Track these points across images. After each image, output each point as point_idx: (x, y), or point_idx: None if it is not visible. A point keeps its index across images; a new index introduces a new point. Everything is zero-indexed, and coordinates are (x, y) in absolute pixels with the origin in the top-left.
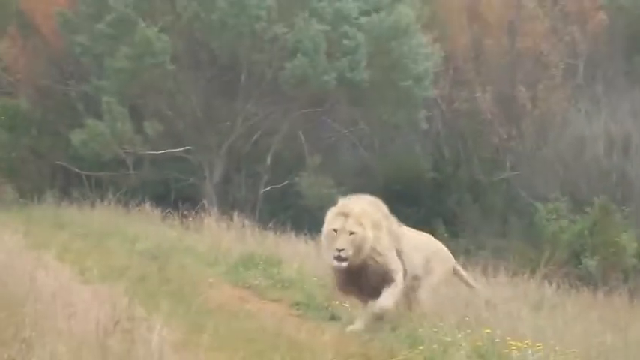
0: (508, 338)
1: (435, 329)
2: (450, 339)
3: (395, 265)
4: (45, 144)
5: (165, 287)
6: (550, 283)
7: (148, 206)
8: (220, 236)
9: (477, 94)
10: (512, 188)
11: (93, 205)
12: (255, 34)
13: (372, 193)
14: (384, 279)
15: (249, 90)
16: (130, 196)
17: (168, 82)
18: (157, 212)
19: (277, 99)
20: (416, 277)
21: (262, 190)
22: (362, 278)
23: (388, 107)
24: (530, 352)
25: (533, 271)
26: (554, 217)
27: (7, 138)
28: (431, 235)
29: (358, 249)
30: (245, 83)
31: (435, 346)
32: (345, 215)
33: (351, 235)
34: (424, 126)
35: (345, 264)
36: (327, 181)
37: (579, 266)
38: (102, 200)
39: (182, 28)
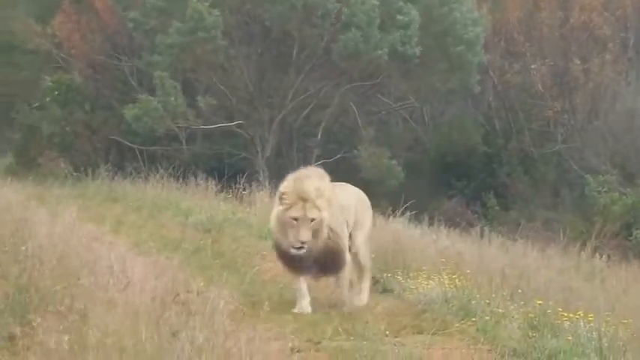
0: (560, 309)
1: (487, 301)
2: (502, 310)
3: (346, 242)
4: (98, 119)
5: (219, 260)
6: (601, 255)
7: (200, 180)
8: (272, 209)
9: (532, 67)
10: (564, 160)
11: (146, 179)
12: (307, 7)
13: (424, 166)
14: (335, 258)
15: (300, 64)
16: (183, 170)
17: (220, 56)
18: (210, 186)
19: (328, 73)
20: (353, 234)
21: (314, 164)
22: (312, 258)
23: (440, 75)
24: (582, 323)
25: (584, 244)
26: (605, 189)
27: (61, 113)
28: (347, 184)
29: (317, 233)
30: (297, 57)
31: (487, 317)
32: (304, 200)
33: (312, 223)
34: (477, 89)
35: (303, 251)
36: (385, 153)
37: (630, 238)
38: (155, 174)
39: (233, 2)
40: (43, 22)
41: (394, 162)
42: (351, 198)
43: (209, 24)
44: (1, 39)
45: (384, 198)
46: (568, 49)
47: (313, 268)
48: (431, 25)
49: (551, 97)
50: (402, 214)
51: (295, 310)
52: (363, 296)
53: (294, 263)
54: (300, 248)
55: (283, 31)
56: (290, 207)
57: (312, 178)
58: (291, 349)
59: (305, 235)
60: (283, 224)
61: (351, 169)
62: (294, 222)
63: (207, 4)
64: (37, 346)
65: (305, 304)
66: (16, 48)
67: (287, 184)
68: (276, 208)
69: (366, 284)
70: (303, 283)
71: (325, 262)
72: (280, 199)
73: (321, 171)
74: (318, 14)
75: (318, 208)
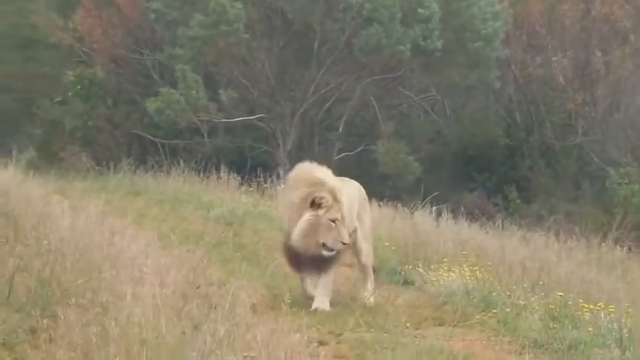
0: (581, 301)
1: (508, 293)
2: (523, 302)
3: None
4: (120, 113)
5: (240, 253)
6: (622, 246)
7: (222, 173)
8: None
9: (554, 59)
10: (585, 153)
11: (168, 172)
12: (329, 0)
13: (446, 159)
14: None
15: (322, 58)
16: (205, 163)
17: (242, 49)
18: (231, 179)
19: (349, 67)
20: (354, 230)
21: (335, 157)
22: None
23: (460, 70)
24: (602, 314)
25: (605, 235)
26: (625, 181)
27: (83, 107)
28: (348, 179)
29: None
30: (318, 51)
31: (508, 309)
32: (336, 201)
33: (345, 222)
34: (497, 85)
35: (334, 252)
36: (402, 148)
37: None
38: (177, 168)
39: None
40: (65, 17)
41: (411, 157)
42: (354, 194)
43: (231, 17)
44: (23, 33)
45: (405, 191)
46: (589, 41)
47: (313, 267)
48: (451, 19)
49: (573, 89)
50: (423, 207)
51: (317, 307)
52: (369, 294)
53: (296, 259)
54: (330, 250)
55: (305, 24)
56: (328, 209)
57: (331, 177)
58: (312, 341)
59: (346, 235)
60: (317, 227)
61: (372, 162)
62: (332, 224)
63: None
64: (60, 339)
65: (326, 300)
66: (37, 42)
67: (318, 187)
68: (310, 213)
69: (370, 285)
70: (308, 284)
71: (328, 260)
72: (316, 203)
73: (324, 167)
74: (340, 8)
75: (344, 209)
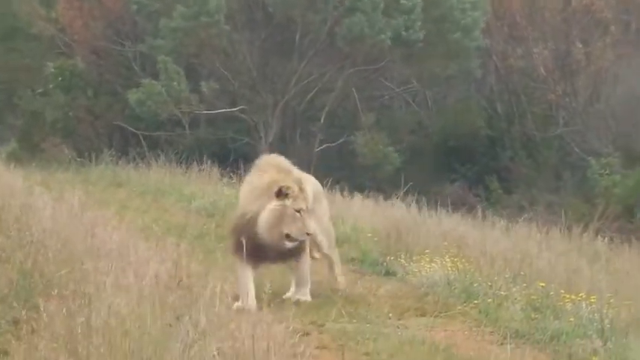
0: (562, 291)
1: (489, 283)
2: (504, 293)
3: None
4: (101, 104)
5: (223, 244)
6: (603, 237)
7: (204, 165)
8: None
9: (534, 50)
10: (566, 144)
11: (150, 164)
12: None
13: (427, 150)
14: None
15: (304, 49)
16: (186, 155)
17: (223, 41)
18: (213, 171)
19: (331, 58)
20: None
21: (317, 149)
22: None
23: (440, 60)
24: (584, 305)
25: (586, 226)
26: (607, 172)
27: (64, 98)
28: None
29: None
30: (300, 42)
31: (489, 300)
32: (302, 191)
33: (310, 213)
34: (477, 74)
35: (296, 243)
36: (382, 139)
37: (632, 220)
38: (158, 159)
39: None
40: (47, 6)
41: (391, 148)
42: (311, 188)
43: (212, 8)
44: (5, 22)
45: (386, 183)
46: (570, 32)
47: (276, 258)
48: (431, 9)
49: (554, 80)
50: (405, 198)
51: (238, 306)
52: (341, 279)
53: (265, 254)
54: (294, 241)
55: (286, 16)
56: (294, 199)
57: (296, 169)
58: (295, 332)
59: (311, 226)
60: (282, 217)
61: (353, 153)
62: (298, 215)
63: None
64: (42, 330)
65: (252, 299)
66: (19, 32)
67: (282, 177)
68: (275, 202)
69: (337, 268)
70: (251, 276)
71: (289, 251)
72: (283, 192)
73: (286, 161)
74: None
75: (309, 200)
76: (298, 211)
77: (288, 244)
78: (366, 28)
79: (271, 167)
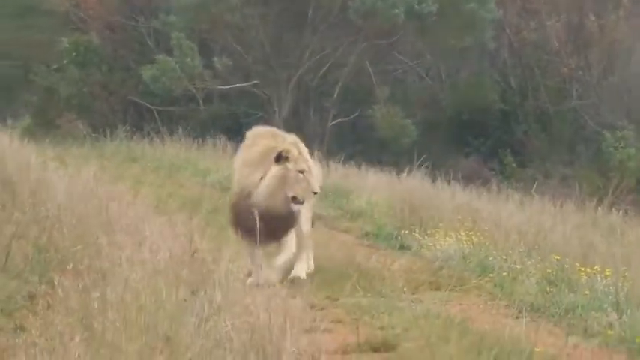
0: (577, 265)
1: (504, 257)
2: (519, 266)
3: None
4: (116, 80)
5: None
6: (618, 210)
7: (217, 140)
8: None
9: (548, 23)
10: (580, 117)
11: (164, 139)
12: None
13: (441, 124)
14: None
15: (316, 23)
16: (201, 130)
17: (236, 16)
18: (227, 146)
19: (344, 32)
20: None
21: (331, 123)
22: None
23: (455, 33)
24: (599, 278)
25: (601, 199)
26: (621, 145)
27: (79, 74)
28: None
29: None
30: (312, 16)
31: (504, 273)
32: (300, 153)
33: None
34: (491, 46)
35: (301, 205)
36: (399, 112)
37: None
38: (173, 134)
39: None
40: None
41: (408, 121)
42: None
43: None
44: (19, 0)
45: (401, 156)
46: (583, 5)
47: (276, 228)
48: None
49: (567, 53)
50: (419, 171)
51: (251, 281)
52: (302, 265)
53: (268, 230)
54: (300, 203)
55: None
56: (295, 161)
57: (287, 135)
58: (311, 306)
59: (316, 184)
60: (285, 181)
61: (367, 128)
62: (301, 176)
63: None
64: (58, 305)
65: (267, 273)
66: (33, 9)
67: (277, 142)
68: (276, 167)
69: (305, 253)
70: (259, 252)
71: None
72: (283, 156)
73: (271, 127)
74: None
75: (308, 159)
76: (301, 172)
77: (295, 207)
78: (379, 2)
79: (261, 138)
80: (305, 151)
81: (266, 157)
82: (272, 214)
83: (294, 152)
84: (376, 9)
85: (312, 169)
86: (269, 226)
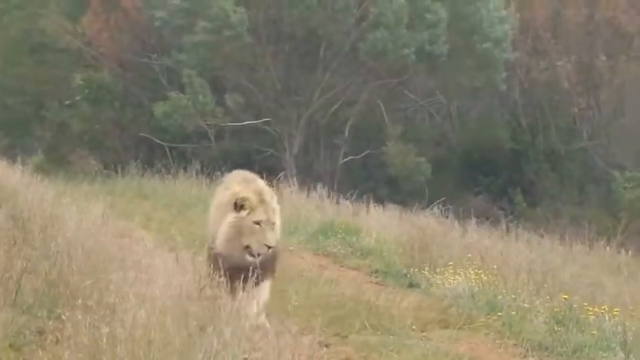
0: (585, 304)
1: (513, 296)
2: (528, 305)
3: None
4: (128, 116)
5: None
6: (627, 250)
7: None
8: (300, 205)
9: (558, 63)
10: (590, 157)
11: (175, 176)
12: (323, 5)
13: (451, 162)
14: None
15: (327, 62)
16: (212, 167)
17: (247, 54)
18: None
19: (355, 70)
20: None
21: (341, 161)
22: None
23: (467, 72)
24: (607, 317)
25: (610, 239)
26: (631, 185)
27: (91, 111)
28: None
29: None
30: (324, 55)
31: (513, 312)
32: (263, 203)
33: (272, 225)
34: (503, 87)
35: (260, 259)
36: (412, 150)
37: None
38: (184, 171)
39: (258, 1)
40: (74, 20)
41: (422, 159)
42: (274, 200)
43: (235, 22)
44: (33, 37)
45: (411, 194)
46: (593, 45)
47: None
48: (458, 22)
49: (577, 93)
50: (429, 209)
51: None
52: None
53: (235, 271)
54: (259, 255)
55: (308, 29)
56: (252, 210)
57: (259, 181)
58: (319, 344)
59: (271, 238)
60: (240, 231)
61: (378, 165)
62: (257, 227)
63: (232, 2)
64: (66, 341)
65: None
66: (46, 46)
67: (241, 189)
68: (233, 215)
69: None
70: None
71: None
72: (238, 204)
73: (253, 174)
74: (336, 9)
75: (275, 213)
76: (257, 223)
77: (249, 259)
78: (389, 43)
79: (234, 182)
80: (271, 201)
81: (231, 203)
82: (231, 263)
83: (252, 201)
84: (386, 50)
85: (273, 220)
86: (234, 273)
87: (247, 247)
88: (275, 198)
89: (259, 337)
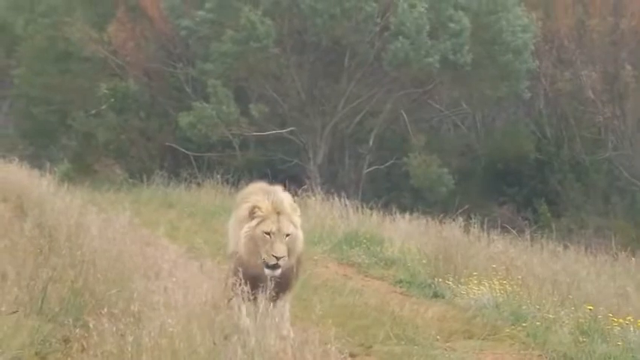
0: (610, 315)
1: (538, 307)
2: (552, 316)
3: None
4: (153, 126)
5: None
6: None
7: None
8: (324, 215)
9: (583, 73)
10: (615, 167)
11: (200, 185)
12: (346, 13)
13: (476, 172)
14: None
15: (352, 71)
16: (237, 176)
17: (273, 65)
18: None
19: (380, 80)
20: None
21: (365, 171)
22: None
23: (490, 82)
24: (632, 329)
25: (634, 250)
26: None
27: (117, 120)
28: None
29: (291, 252)
30: (348, 64)
31: (537, 323)
32: (278, 213)
33: (287, 238)
34: (527, 96)
35: (278, 272)
36: (435, 161)
37: None
38: (209, 180)
39: (282, 12)
40: (99, 29)
41: (444, 169)
42: (294, 211)
43: (261, 33)
44: (58, 46)
45: (435, 204)
46: (618, 55)
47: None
48: (480, 32)
49: (602, 103)
50: (453, 220)
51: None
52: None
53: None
54: (275, 266)
55: (333, 39)
56: (263, 220)
57: (281, 192)
58: (344, 354)
59: (280, 249)
60: (254, 242)
61: (402, 175)
62: (267, 237)
63: (260, 13)
64: (92, 349)
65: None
66: (72, 55)
67: (257, 198)
68: (247, 225)
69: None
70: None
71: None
72: (252, 213)
73: (280, 187)
74: (360, 18)
75: (294, 224)
76: (267, 234)
77: (267, 272)
78: (411, 52)
79: (253, 194)
80: (291, 213)
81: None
82: (251, 273)
83: (263, 209)
84: (409, 59)
85: (286, 232)
86: (255, 283)
87: (263, 259)
88: (297, 211)
89: (283, 347)
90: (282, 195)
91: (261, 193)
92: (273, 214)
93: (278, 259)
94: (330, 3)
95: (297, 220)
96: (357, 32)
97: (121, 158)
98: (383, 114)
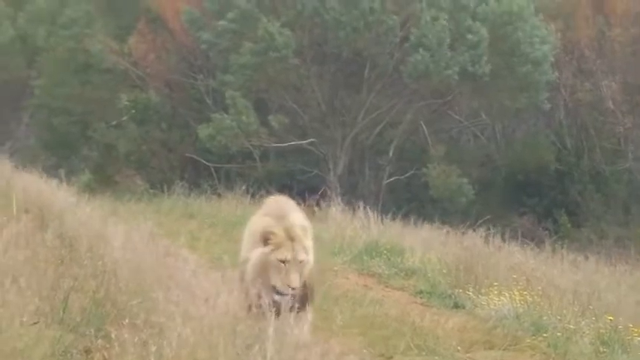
0: (631, 325)
1: (558, 317)
2: (573, 326)
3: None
4: (174, 137)
5: None
6: None
7: None
8: (345, 226)
9: (603, 83)
10: (635, 178)
11: (221, 195)
12: (369, 26)
13: (496, 183)
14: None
15: (372, 82)
16: (257, 187)
17: (292, 76)
18: None
19: (399, 91)
20: None
21: (385, 181)
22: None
23: (509, 93)
24: None
25: None
26: None
27: (138, 131)
28: None
29: (301, 277)
30: (368, 76)
31: (558, 333)
32: (292, 240)
33: (300, 264)
34: (546, 107)
35: (288, 298)
36: (454, 171)
37: None
38: (230, 191)
39: (304, 23)
40: (120, 41)
41: (464, 180)
42: (307, 237)
43: (280, 44)
44: (79, 57)
45: (455, 215)
46: (638, 65)
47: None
48: (498, 43)
49: (622, 114)
50: (474, 230)
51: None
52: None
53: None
54: (280, 294)
55: (353, 51)
56: (278, 248)
57: (294, 213)
58: None
59: (295, 280)
60: (266, 267)
61: (422, 186)
62: (282, 265)
63: (279, 24)
64: (114, 359)
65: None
66: (92, 66)
67: (270, 222)
68: (259, 249)
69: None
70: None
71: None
72: (265, 239)
73: (292, 201)
74: (381, 32)
75: (306, 250)
76: (282, 262)
77: (277, 298)
78: (431, 65)
79: (272, 210)
80: (303, 237)
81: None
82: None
83: (277, 236)
84: (429, 72)
85: (300, 258)
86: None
87: (274, 286)
88: (309, 233)
89: (304, 357)
90: (293, 217)
91: (275, 215)
92: (288, 240)
93: (293, 289)
94: (354, 16)
95: (309, 244)
96: (377, 44)
97: (142, 169)
98: (403, 125)
